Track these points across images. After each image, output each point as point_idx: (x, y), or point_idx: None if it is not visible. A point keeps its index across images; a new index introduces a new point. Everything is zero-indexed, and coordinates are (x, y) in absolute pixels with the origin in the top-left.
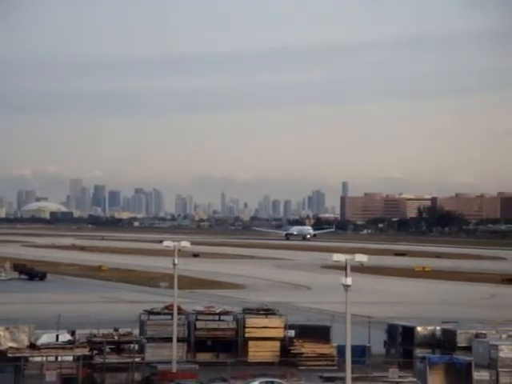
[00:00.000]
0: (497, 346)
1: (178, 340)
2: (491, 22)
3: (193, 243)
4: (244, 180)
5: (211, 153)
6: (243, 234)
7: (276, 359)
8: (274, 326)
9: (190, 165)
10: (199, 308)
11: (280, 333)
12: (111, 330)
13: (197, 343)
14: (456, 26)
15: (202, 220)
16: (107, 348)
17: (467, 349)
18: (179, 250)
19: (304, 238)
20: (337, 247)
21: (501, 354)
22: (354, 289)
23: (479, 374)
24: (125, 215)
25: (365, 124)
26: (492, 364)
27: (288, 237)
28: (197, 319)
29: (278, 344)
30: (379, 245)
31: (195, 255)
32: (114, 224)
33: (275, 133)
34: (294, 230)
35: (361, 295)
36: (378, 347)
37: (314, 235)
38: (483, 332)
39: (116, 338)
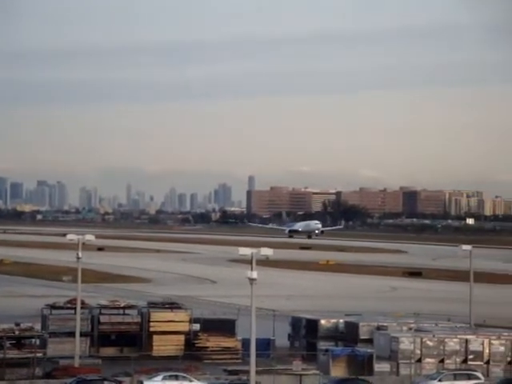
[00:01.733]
0: (397, 338)
1: (81, 334)
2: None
3: (97, 237)
4: (150, 173)
5: (117, 145)
6: (149, 227)
7: (180, 353)
8: (179, 320)
9: (94, 157)
10: (103, 302)
11: (185, 327)
12: (12, 325)
13: (100, 337)
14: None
15: (106, 213)
16: (7, 343)
17: (369, 341)
18: (83, 244)
19: (310, 235)
20: (243, 241)
21: (401, 346)
22: (259, 282)
23: (380, 366)
24: (27, 208)
25: (272, 117)
26: (393, 356)
27: (291, 234)
28: (101, 313)
29: (182, 338)
30: (285, 238)
31: (100, 249)
32: (16, 217)
33: (183, 125)
34: (299, 226)
35: (266, 289)
36: (282, 340)
37: (322, 232)
38: (385, 324)
39: (17, 332)
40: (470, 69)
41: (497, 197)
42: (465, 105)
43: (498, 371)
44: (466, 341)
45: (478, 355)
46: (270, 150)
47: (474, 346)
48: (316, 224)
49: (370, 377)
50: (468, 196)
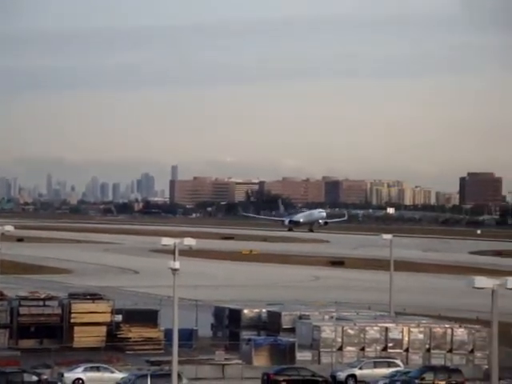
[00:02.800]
0: (319, 326)
1: (0, 326)
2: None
3: (17, 227)
4: (72, 162)
5: (37, 134)
6: (70, 218)
7: (102, 344)
8: (101, 311)
9: (13, 146)
10: (23, 293)
11: (106, 317)
12: None
13: (20, 329)
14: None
15: (26, 203)
16: None
17: (291, 330)
18: (2, 234)
19: (311, 228)
20: (165, 231)
21: (323, 335)
22: (182, 272)
23: (302, 355)
24: None
25: (196, 107)
26: (314, 344)
27: (291, 227)
28: (20, 305)
29: (104, 329)
30: (208, 228)
31: (19, 239)
32: None
33: (105, 115)
34: (301, 216)
35: (189, 279)
36: (205, 330)
37: (326, 223)
38: (307, 313)
39: None
40: (392, 61)
41: (416, 187)
42: (387, 97)
43: (416, 358)
44: (386, 329)
45: (398, 343)
46: (193, 140)
47: (394, 334)
48: (320, 212)
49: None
50: (389, 186)
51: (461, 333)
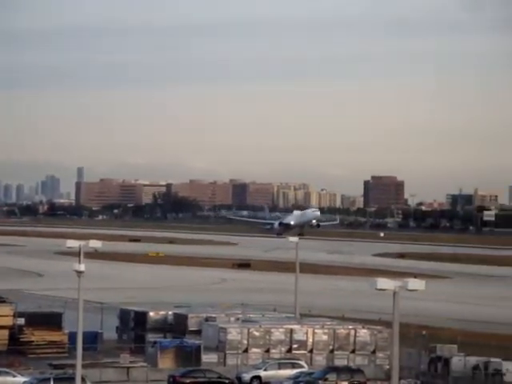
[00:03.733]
0: (225, 328)
1: None
2: None
3: None
4: None
5: None
6: None
7: (4, 348)
8: (3, 315)
9: None
10: None
11: (9, 321)
12: None
13: None
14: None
15: None
16: None
17: (198, 332)
18: None
19: (302, 232)
20: (71, 233)
21: (229, 337)
22: (87, 275)
23: (208, 357)
24: None
25: (103, 109)
26: (220, 346)
27: (281, 231)
28: None
29: (6, 332)
30: (115, 231)
31: None
32: None
33: (10, 115)
34: (292, 218)
35: (94, 281)
36: (110, 333)
37: (318, 226)
38: (213, 316)
39: None
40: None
41: (322, 190)
42: (294, 98)
43: (320, 359)
44: (291, 330)
45: (302, 344)
46: (100, 142)
47: (299, 335)
48: (314, 212)
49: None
50: (295, 189)
51: (364, 334)
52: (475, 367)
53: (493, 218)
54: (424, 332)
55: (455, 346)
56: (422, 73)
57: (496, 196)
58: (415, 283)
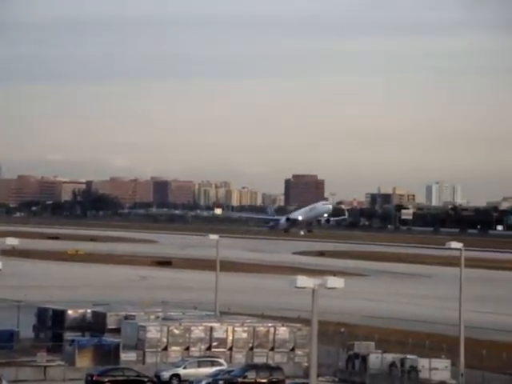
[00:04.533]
0: (145, 327)
1: None
2: None
3: None
4: None
5: None
6: None
7: None
8: None
9: None
10: None
11: None
12: None
13: None
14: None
15: None
16: None
17: (117, 331)
18: None
19: (310, 229)
20: None
21: (148, 335)
22: (4, 272)
23: (126, 355)
24: None
25: (23, 104)
26: (139, 345)
27: (286, 228)
28: None
29: None
30: (33, 228)
31: None
32: None
33: None
34: (300, 213)
35: (12, 279)
36: (27, 331)
37: (328, 221)
38: (133, 314)
39: None
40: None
41: (243, 188)
42: (218, 97)
43: (240, 357)
44: (211, 328)
45: (222, 342)
46: (18, 138)
47: (219, 333)
48: (325, 205)
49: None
50: (216, 187)
51: (283, 331)
52: (392, 364)
53: (410, 217)
54: (342, 329)
55: (373, 343)
56: (342, 72)
57: (413, 195)
58: (334, 281)
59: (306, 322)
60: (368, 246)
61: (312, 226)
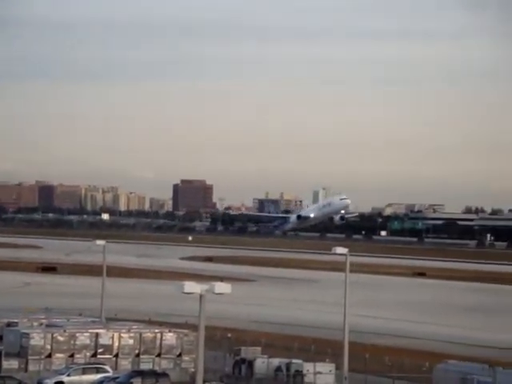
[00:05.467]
0: (28, 334)
1: None
2: None
3: None
4: None
5: None
6: None
7: None
8: None
9: None
10: None
11: None
12: None
13: None
14: None
15: None
16: None
17: None
18: None
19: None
20: None
21: (31, 342)
22: None
23: (9, 363)
24: None
25: None
26: (22, 352)
27: (295, 227)
28: None
29: None
30: None
31: None
32: None
33: None
34: (312, 209)
35: None
36: None
37: (343, 218)
38: (15, 321)
39: None
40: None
41: (131, 193)
42: (97, 98)
43: (126, 364)
44: (97, 335)
45: (108, 349)
46: None
47: (104, 339)
48: (343, 200)
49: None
50: (104, 191)
51: (170, 337)
52: (277, 369)
53: None
54: (229, 335)
55: (259, 348)
56: (217, 77)
57: (301, 201)
58: (222, 286)
59: (194, 327)
60: (256, 252)
61: (337, 219)
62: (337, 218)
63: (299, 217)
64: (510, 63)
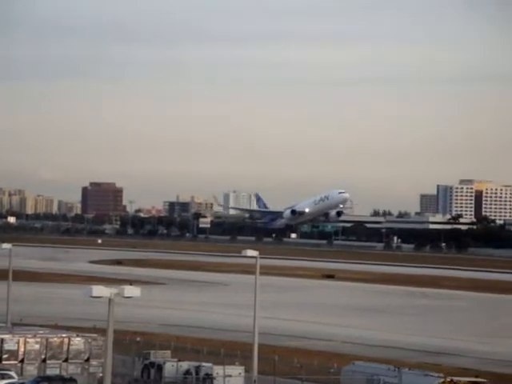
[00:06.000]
0: None
1: None
2: None
3: None
4: None
5: None
6: None
7: None
8: None
9: None
10: None
11: None
12: None
13: None
14: None
15: None
16: None
17: None
18: None
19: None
20: None
21: None
22: None
23: None
24: None
25: None
26: None
27: (290, 224)
28: None
29: None
30: None
31: None
32: None
33: None
34: (307, 204)
35: None
36: None
37: (339, 214)
38: None
39: None
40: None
41: (39, 195)
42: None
43: (32, 369)
44: (2, 340)
45: (13, 354)
46: None
47: (10, 345)
48: (341, 193)
49: None
50: (10, 194)
51: (78, 342)
52: (187, 372)
53: (208, 225)
54: (138, 338)
55: (169, 351)
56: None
57: (211, 204)
58: (131, 290)
59: (102, 331)
60: (166, 255)
61: (317, 221)
62: (333, 213)
63: (293, 212)
64: None
